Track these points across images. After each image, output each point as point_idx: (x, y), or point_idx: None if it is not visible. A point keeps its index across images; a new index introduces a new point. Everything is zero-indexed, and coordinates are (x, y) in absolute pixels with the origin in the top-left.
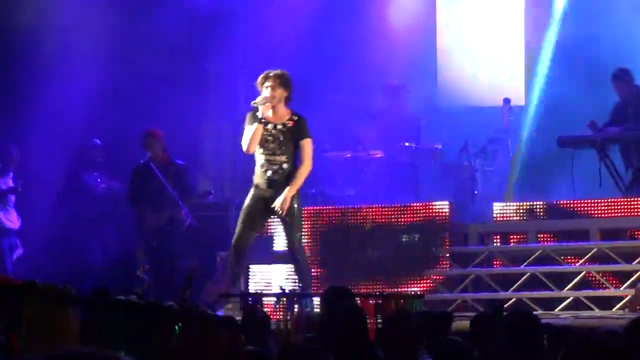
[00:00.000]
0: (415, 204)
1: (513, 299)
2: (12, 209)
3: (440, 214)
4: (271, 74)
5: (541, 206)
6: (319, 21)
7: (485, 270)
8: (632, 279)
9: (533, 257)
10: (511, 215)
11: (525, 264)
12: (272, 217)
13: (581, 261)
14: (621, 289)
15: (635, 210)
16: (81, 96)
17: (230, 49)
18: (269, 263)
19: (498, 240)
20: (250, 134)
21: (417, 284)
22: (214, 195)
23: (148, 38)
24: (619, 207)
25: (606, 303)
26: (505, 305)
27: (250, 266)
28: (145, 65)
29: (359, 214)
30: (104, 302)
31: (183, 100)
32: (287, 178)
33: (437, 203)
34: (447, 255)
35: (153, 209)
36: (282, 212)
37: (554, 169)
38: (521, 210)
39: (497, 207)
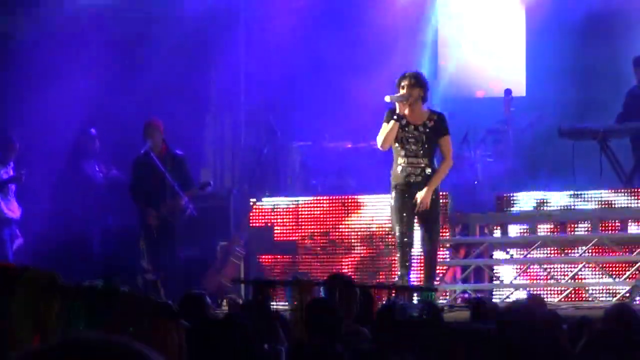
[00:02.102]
0: None
1: (514, 290)
2: (13, 199)
3: (441, 205)
4: (407, 74)
5: (541, 196)
6: (322, 12)
7: (486, 260)
8: (633, 269)
9: (533, 247)
10: (511, 205)
11: (525, 254)
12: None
13: (581, 251)
14: (621, 279)
15: (636, 201)
16: (82, 86)
17: (232, 39)
18: (272, 253)
19: (498, 231)
20: (386, 131)
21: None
22: (214, 186)
23: (150, 30)
24: (620, 197)
25: (607, 293)
26: (507, 296)
27: (251, 256)
28: (147, 56)
29: (356, 205)
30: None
31: (183, 91)
32: (427, 180)
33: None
34: (448, 245)
35: (154, 199)
36: (423, 207)
37: (554, 160)
38: (521, 201)
39: (498, 198)
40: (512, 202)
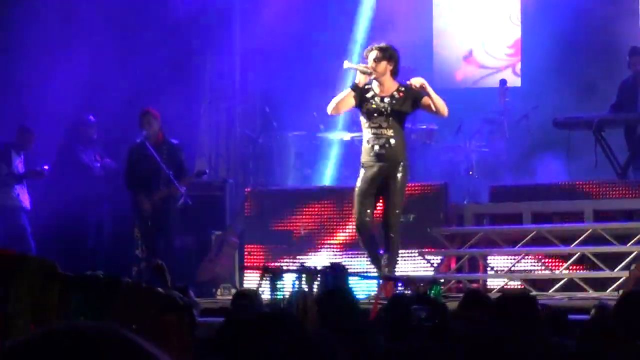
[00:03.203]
0: (411, 184)
1: (507, 281)
2: (25, 189)
3: (436, 195)
4: (375, 46)
5: (536, 187)
6: (317, 7)
7: (480, 251)
8: (627, 260)
9: (528, 238)
10: (506, 196)
11: (520, 245)
12: (380, 194)
13: (575, 242)
14: (615, 270)
15: (630, 192)
16: (78, 75)
17: (228, 29)
18: (264, 243)
19: (493, 221)
20: (339, 96)
21: (414, 264)
22: (209, 174)
23: (145, 19)
24: (614, 188)
25: (600, 284)
26: (500, 286)
27: (246, 246)
28: (142, 45)
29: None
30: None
31: (179, 80)
32: (395, 152)
33: (432, 183)
34: (443, 235)
35: (149, 188)
36: (415, 83)
37: (549, 150)
38: (516, 191)
39: (493, 188)
40: (507, 192)
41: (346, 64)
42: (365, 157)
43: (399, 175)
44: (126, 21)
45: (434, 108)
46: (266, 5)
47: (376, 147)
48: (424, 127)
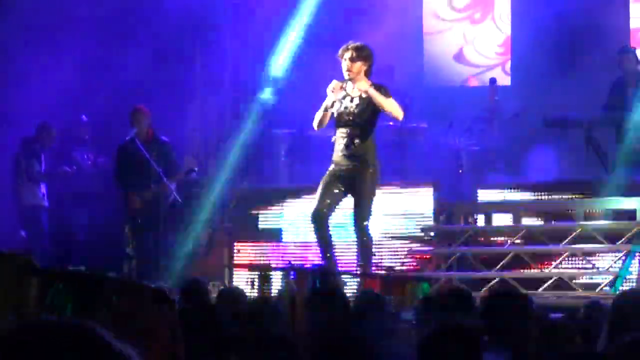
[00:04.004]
0: (401, 183)
1: (497, 279)
2: (46, 188)
3: (426, 193)
4: (351, 46)
5: (526, 186)
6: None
7: (470, 249)
8: (616, 259)
9: (517, 236)
10: (496, 194)
11: (509, 243)
12: (348, 192)
13: (565, 241)
14: (605, 269)
15: (620, 190)
16: (68, 73)
17: (218, 26)
18: (255, 241)
19: (482, 220)
20: (319, 115)
21: (402, 262)
22: (198, 172)
23: (135, 16)
24: (604, 187)
25: (590, 283)
26: (489, 285)
27: (235, 243)
28: (133, 43)
29: None
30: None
31: (169, 78)
32: (362, 151)
33: (422, 182)
34: (432, 234)
35: (139, 185)
36: (360, 89)
37: (539, 149)
38: (506, 190)
39: (482, 187)
40: (497, 190)
41: (331, 94)
42: (335, 155)
43: (367, 176)
44: (115, 19)
45: (384, 110)
46: (256, 3)
47: (343, 146)
48: (414, 125)
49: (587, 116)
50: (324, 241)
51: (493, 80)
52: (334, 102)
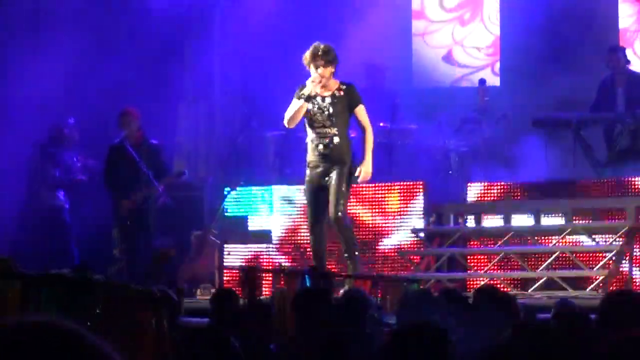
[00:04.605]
0: (390, 184)
1: (487, 279)
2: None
3: (415, 194)
4: (320, 52)
5: (515, 186)
6: (297, 7)
7: (460, 250)
8: (606, 259)
9: (507, 237)
10: (486, 195)
11: (499, 244)
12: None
13: (555, 241)
14: (595, 269)
15: (609, 190)
16: (56, 77)
17: (207, 29)
18: (244, 242)
19: (472, 220)
20: (293, 110)
21: (393, 264)
22: (188, 175)
23: (125, 19)
24: (593, 187)
25: (580, 283)
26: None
27: (225, 245)
28: (121, 45)
29: None
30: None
31: (158, 80)
32: (339, 151)
33: (411, 183)
34: (422, 235)
35: (128, 188)
36: (364, 179)
37: (528, 149)
38: (495, 190)
39: (472, 187)
40: (486, 191)
41: (302, 93)
42: (310, 156)
43: (342, 173)
44: (105, 21)
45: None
46: (246, 5)
47: (320, 147)
48: (403, 126)
49: (576, 116)
50: (320, 251)
51: (482, 81)
52: (312, 96)
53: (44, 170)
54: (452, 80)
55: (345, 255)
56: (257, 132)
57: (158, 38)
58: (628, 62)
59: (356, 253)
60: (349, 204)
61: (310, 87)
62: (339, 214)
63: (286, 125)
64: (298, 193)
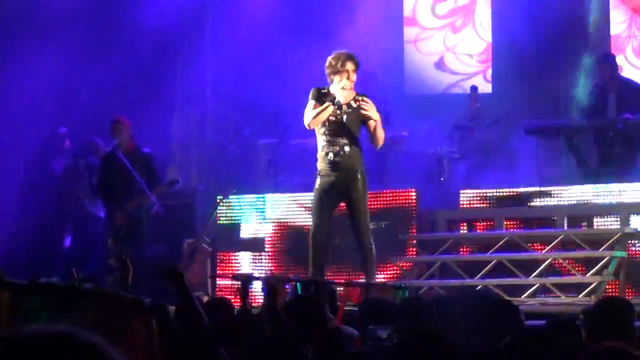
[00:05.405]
0: (382, 191)
1: (480, 286)
2: None
3: (407, 201)
4: (352, 57)
5: (508, 193)
6: (289, 10)
7: (452, 257)
8: (599, 265)
9: (500, 244)
10: (478, 202)
11: (492, 250)
12: (341, 201)
13: (547, 248)
14: (587, 275)
15: (601, 197)
16: (48, 85)
17: (199, 37)
18: (236, 250)
19: (465, 227)
20: (317, 111)
21: (384, 271)
22: (181, 183)
23: (117, 26)
24: (586, 194)
25: (573, 290)
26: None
27: (218, 254)
28: (113, 52)
29: None
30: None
31: (150, 87)
32: (350, 160)
33: (404, 190)
34: (414, 242)
35: (121, 197)
36: (365, 110)
37: (520, 156)
38: (488, 197)
39: (464, 194)
40: (479, 198)
41: (338, 91)
42: (320, 164)
43: (358, 183)
44: (96, 29)
45: (371, 134)
46: (238, 13)
47: (331, 155)
48: (395, 133)
49: (568, 123)
50: (319, 259)
51: (474, 88)
52: (341, 104)
53: (35, 180)
54: (443, 86)
55: (364, 271)
56: (249, 140)
57: (150, 45)
58: (618, 68)
59: (374, 268)
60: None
61: (341, 94)
62: (365, 228)
63: (307, 127)
64: (290, 201)
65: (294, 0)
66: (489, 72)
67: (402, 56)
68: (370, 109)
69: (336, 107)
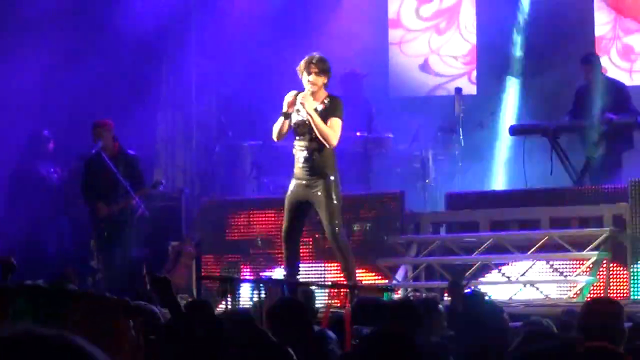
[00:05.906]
0: (367, 194)
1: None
2: None
3: (392, 203)
4: (315, 60)
5: (492, 195)
6: (275, 13)
7: (437, 259)
8: (583, 267)
9: (484, 245)
10: (463, 204)
11: (476, 252)
12: (309, 204)
13: (532, 249)
14: (573, 276)
15: (586, 198)
16: (30, 87)
17: (184, 39)
18: (221, 253)
19: (450, 229)
20: (276, 125)
21: (369, 273)
22: (165, 185)
23: (101, 27)
24: (570, 195)
25: (557, 291)
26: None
27: (203, 256)
28: (97, 55)
29: None
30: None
31: (135, 89)
32: (321, 164)
33: (388, 192)
34: (399, 244)
35: (105, 199)
36: (303, 101)
37: (505, 158)
38: (473, 199)
39: (449, 196)
40: (463, 200)
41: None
42: (295, 168)
43: (329, 186)
44: (80, 30)
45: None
46: (223, 15)
47: (302, 159)
48: (379, 135)
49: (553, 123)
50: (292, 259)
51: (459, 90)
52: (290, 113)
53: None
54: (428, 89)
55: (343, 272)
56: (234, 142)
57: (135, 46)
58: (602, 69)
59: (353, 269)
60: None
61: (293, 99)
62: (336, 229)
63: (275, 140)
64: (275, 203)
65: (279, 2)
66: (474, 73)
67: (387, 58)
68: (306, 103)
69: (285, 117)
